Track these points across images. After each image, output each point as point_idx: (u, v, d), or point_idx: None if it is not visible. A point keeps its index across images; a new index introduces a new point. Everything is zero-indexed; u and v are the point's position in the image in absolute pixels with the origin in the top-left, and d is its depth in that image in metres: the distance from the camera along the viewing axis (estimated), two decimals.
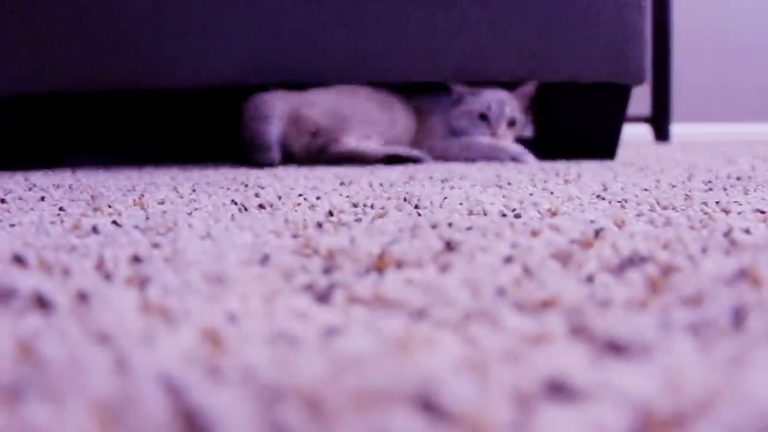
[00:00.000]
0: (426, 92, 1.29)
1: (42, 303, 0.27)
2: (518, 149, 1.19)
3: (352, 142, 1.05)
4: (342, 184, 0.71)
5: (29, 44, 1.16)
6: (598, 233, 0.38)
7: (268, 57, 1.16)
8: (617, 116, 1.28)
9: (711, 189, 0.63)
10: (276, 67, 1.16)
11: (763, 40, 3.12)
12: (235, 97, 1.31)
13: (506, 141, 1.23)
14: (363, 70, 1.17)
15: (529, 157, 1.18)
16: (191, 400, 0.18)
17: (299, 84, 1.18)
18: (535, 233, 0.39)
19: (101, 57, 1.15)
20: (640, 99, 2.65)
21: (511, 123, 1.25)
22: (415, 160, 1.08)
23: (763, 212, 0.48)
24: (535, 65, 1.19)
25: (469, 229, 0.41)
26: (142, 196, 0.62)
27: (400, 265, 0.32)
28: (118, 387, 0.19)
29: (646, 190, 0.63)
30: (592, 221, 0.43)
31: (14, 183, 0.84)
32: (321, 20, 1.16)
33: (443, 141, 1.24)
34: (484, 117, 1.24)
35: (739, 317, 0.24)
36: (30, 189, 0.74)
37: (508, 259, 0.33)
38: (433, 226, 0.41)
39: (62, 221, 0.47)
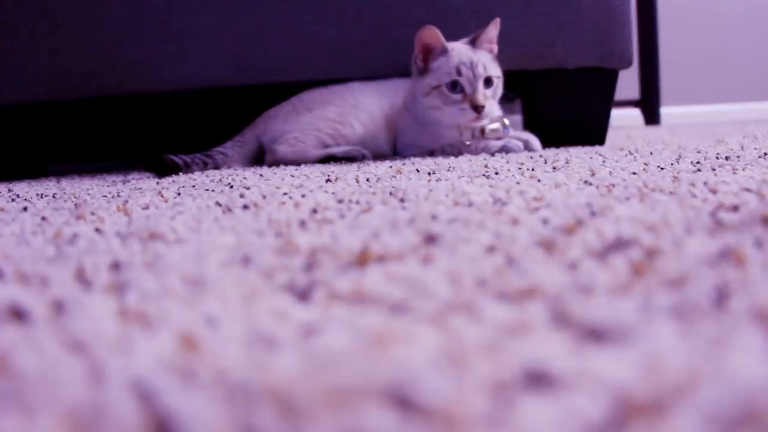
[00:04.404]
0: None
1: (18, 314, 0.27)
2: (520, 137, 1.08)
3: (285, 150, 1.11)
4: (328, 180, 0.71)
5: (9, 54, 1.15)
6: (582, 219, 0.38)
7: (250, 57, 1.15)
8: (605, 101, 1.28)
9: (699, 170, 0.63)
10: (258, 66, 1.16)
11: (750, 19, 3.12)
12: (218, 99, 1.30)
13: (492, 105, 1.06)
14: (346, 64, 1.16)
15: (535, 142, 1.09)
16: (163, 406, 0.18)
17: (282, 83, 1.17)
18: (519, 222, 0.39)
19: (82, 64, 1.14)
20: (630, 83, 2.65)
21: (488, 82, 1.05)
22: (351, 159, 1.06)
23: (750, 191, 0.47)
24: (521, 53, 1.19)
25: (452, 220, 0.40)
26: (126, 202, 0.62)
27: (381, 259, 0.32)
28: (90, 396, 0.19)
29: (634, 173, 0.63)
30: (577, 207, 0.43)
31: None
32: (302, 17, 1.15)
33: (403, 138, 1.14)
34: (455, 85, 1.05)
35: (721, 298, 0.23)
36: (13, 200, 0.73)
37: (491, 249, 0.32)
38: (417, 220, 0.41)
39: (44, 231, 0.47)
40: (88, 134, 1.44)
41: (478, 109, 1.03)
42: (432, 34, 1.05)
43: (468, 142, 1.08)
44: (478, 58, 1.04)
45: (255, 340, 0.22)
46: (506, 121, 1.09)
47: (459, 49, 1.06)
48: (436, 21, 1.08)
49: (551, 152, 1.03)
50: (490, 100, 1.05)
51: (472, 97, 1.03)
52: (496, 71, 1.06)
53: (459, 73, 1.04)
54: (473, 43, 1.06)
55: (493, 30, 1.06)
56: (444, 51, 1.06)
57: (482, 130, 1.08)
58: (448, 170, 0.76)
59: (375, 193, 0.56)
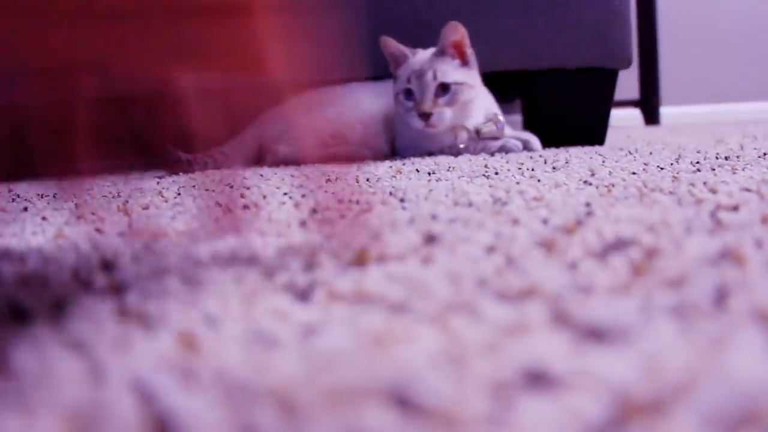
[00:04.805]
0: None
1: (18, 314, 0.27)
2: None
3: (285, 150, 1.11)
4: (328, 180, 0.71)
5: None
6: (582, 219, 0.38)
7: None
8: (605, 101, 1.28)
9: (699, 170, 0.63)
10: None
11: (749, 19, 3.12)
12: None
13: (443, 113, 1.02)
14: (346, 64, 1.16)
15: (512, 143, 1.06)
16: (163, 406, 0.18)
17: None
18: (519, 222, 0.39)
19: None
20: (630, 83, 2.65)
21: (444, 88, 1.03)
22: (352, 158, 1.07)
23: (750, 191, 0.47)
24: (521, 53, 1.19)
25: (452, 220, 0.40)
26: (126, 202, 0.62)
27: (382, 259, 0.32)
28: (90, 396, 0.19)
29: (634, 173, 0.63)
30: (577, 207, 0.43)
31: None
32: None
33: (401, 139, 1.14)
34: (410, 93, 1.04)
35: (721, 298, 0.23)
36: (13, 200, 0.73)
37: (491, 249, 0.32)
38: (417, 220, 0.41)
39: (44, 231, 0.47)
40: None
41: (424, 116, 1.02)
42: (387, 44, 1.06)
43: (462, 145, 1.07)
44: (431, 66, 1.02)
45: (255, 340, 0.22)
46: (501, 117, 1.09)
47: (419, 56, 1.06)
48: (436, 22, 1.08)
49: (551, 152, 1.03)
50: (443, 107, 1.03)
51: (418, 105, 1.03)
52: (454, 77, 1.03)
53: (409, 81, 1.04)
54: (443, 51, 1.05)
55: (449, 35, 1.03)
56: (405, 59, 1.07)
57: (477, 132, 1.08)
58: (448, 170, 0.76)
59: (375, 193, 0.57)
